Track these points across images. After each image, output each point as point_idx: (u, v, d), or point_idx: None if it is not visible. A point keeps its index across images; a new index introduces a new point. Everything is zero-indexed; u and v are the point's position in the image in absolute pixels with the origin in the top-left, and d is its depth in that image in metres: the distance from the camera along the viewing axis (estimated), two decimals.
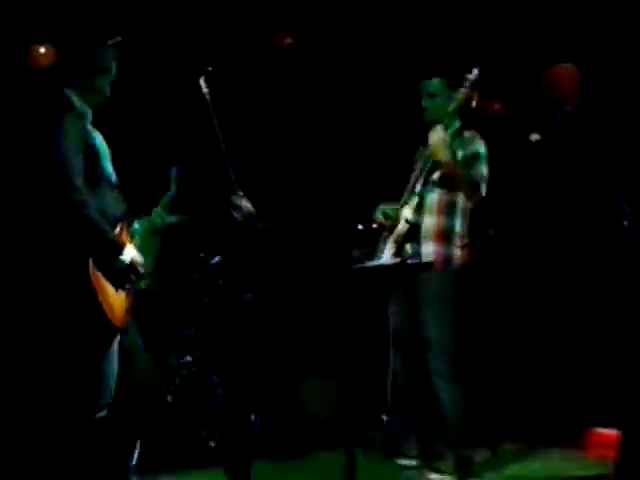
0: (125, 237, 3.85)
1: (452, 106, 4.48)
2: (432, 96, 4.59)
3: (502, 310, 5.33)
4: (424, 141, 4.54)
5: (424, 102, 4.62)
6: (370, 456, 4.86)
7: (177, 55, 3.98)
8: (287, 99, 6.32)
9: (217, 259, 5.06)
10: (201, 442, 4.75)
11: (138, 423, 4.18)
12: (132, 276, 3.81)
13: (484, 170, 4.54)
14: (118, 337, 3.80)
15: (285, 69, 6.28)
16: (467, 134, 4.62)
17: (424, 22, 6.10)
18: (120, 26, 4.76)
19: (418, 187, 4.58)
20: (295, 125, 6.34)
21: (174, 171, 4.52)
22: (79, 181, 3.63)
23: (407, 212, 4.52)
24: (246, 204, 3.84)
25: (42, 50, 5.56)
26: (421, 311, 4.56)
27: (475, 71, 4.46)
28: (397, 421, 4.70)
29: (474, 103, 4.68)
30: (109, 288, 3.70)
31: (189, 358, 4.82)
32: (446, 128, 4.55)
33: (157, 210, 4.41)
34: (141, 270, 3.84)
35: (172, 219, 4.52)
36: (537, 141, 5.60)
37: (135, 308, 3.93)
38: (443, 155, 4.46)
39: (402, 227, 4.50)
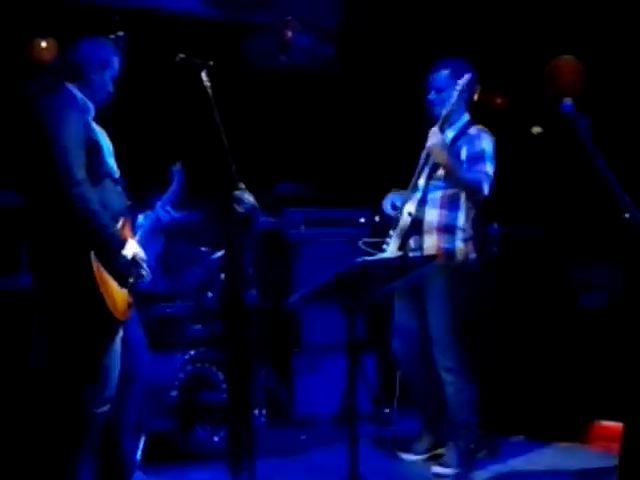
0: (128, 232, 3.83)
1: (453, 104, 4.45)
2: (439, 91, 4.56)
3: (505, 304, 5.32)
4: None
5: (430, 96, 4.60)
6: (374, 453, 4.88)
7: (179, 49, 3.97)
8: (292, 93, 6.34)
9: (219, 254, 5.05)
10: (205, 438, 4.75)
11: (142, 418, 4.19)
12: (134, 271, 3.80)
13: (489, 169, 4.50)
14: (121, 332, 3.79)
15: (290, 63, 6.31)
16: (473, 130, 4.59)
17: (424, 18, 6.10)
18: (121, 20, 4.78)
19: (422, 181, 4.57)
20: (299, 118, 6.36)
21: (176, 168, 4.50)
22: (80, 175, 3.62)
23: (410, 206, 4.52)
24: (249, 198, 3.84)
25: (44, 44, 5.55)
26: (426, 306, 4.56)
27: (466, 76, 4.44)
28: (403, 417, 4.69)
29: (476, 97, 4.67)
30: (111, 281, 3.69)
31: (193, 353, 4.81)
32: (452, 123, 4.54)
33: (162, 205, 4.39)
34: (143, 265, 3.83)
35: (178, 214, 4.50)
36: (539, 134, 5.60)
37: (138, 302, 3.93)
38: (441, 158, 4.45)
39: (405, 221, 4.49)
